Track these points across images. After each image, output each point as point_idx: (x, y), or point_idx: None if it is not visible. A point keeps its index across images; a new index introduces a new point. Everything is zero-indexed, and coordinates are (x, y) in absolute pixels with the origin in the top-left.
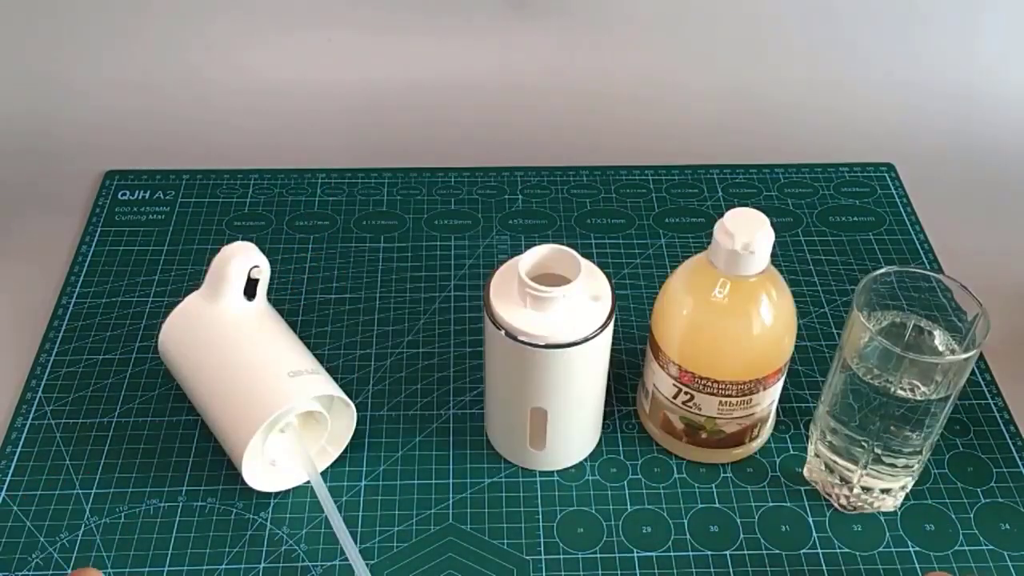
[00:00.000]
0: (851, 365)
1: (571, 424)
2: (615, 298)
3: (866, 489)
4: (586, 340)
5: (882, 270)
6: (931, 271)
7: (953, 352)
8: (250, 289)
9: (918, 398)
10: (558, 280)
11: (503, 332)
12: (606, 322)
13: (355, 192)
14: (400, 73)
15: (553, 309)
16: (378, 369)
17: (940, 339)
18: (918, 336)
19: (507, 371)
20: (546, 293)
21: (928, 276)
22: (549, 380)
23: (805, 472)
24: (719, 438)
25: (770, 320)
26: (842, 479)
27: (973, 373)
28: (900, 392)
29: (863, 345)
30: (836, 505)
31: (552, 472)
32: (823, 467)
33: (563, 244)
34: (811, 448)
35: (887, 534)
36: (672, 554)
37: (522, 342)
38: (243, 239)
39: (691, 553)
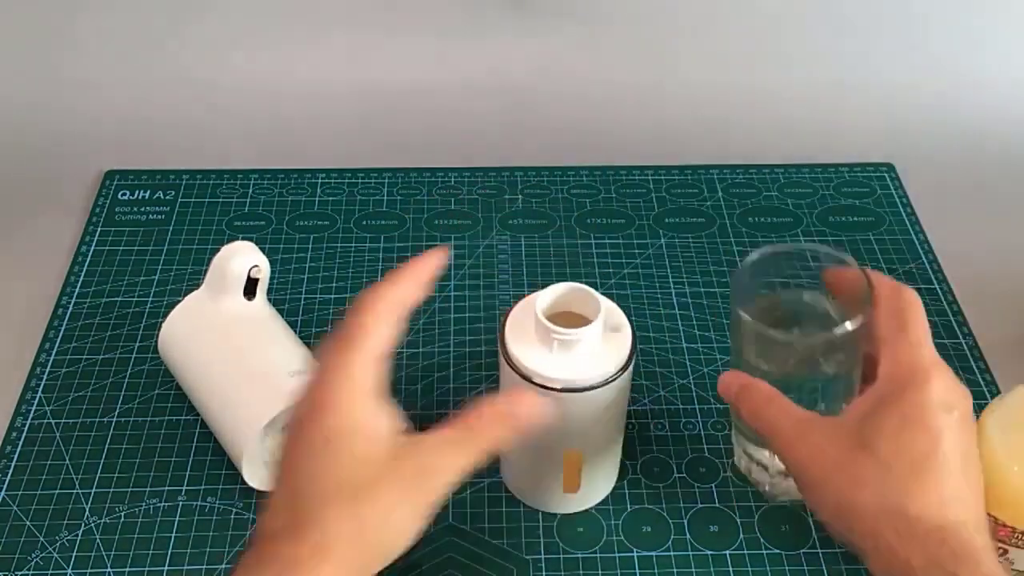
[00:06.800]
0: (750, 362)
1: (607, 457)
2: (634, 327)
3: (784, 474)
4: (620, 373)
5: (752, 257)
6: (801, 246)
7: (844, 320)
8: (250, 289)
9: (824, 374)
10: (572, 318)
11: (534, 382)
12: (631, 352)
13: (355, 192)
14: (400, 73)
15: (577, 350)
16: None
17: (831, 309)
18: (807, 312)
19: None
20: (570, 336)
21: (802, 251)
22: (588, 419)
23: (733, 464)
24: None
25: None
26: (760, 464)
27: (973, 373)
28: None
29: (755, 339)
30: (762, 492)
31: None
32: (744, 454)
33: (563, 246)
34: (732, 436)
35: None
36: (672, 554)
37: (554, 389)
38: (243, 239)
39: (691, 553)
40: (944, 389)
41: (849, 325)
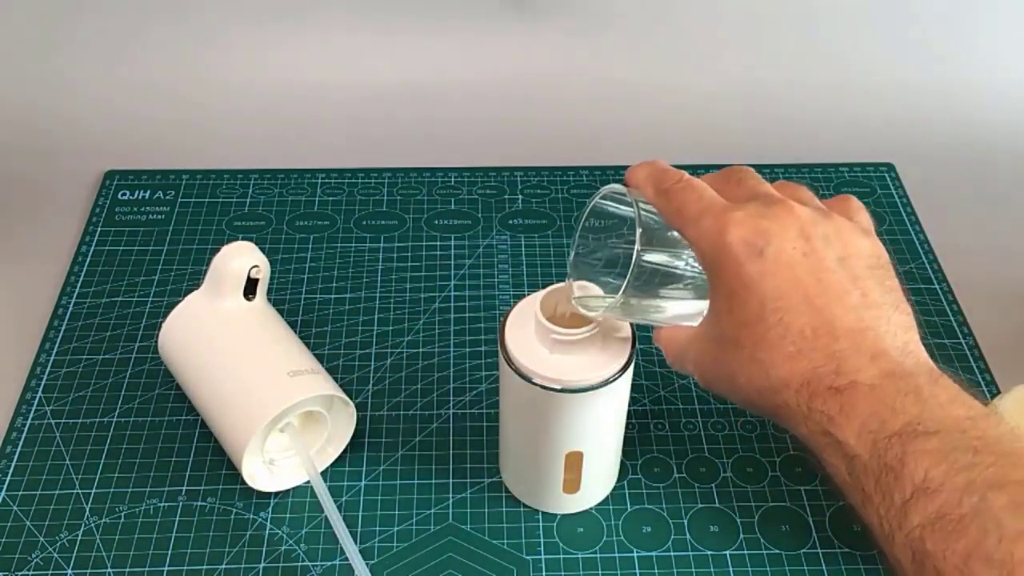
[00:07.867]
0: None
1: (607, 457)
2: (634, 328)
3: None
4: (620, 374)
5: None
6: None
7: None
8: (250, 289)
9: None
10: (573, 318)
11: (534, 383)
12: (631, 352)
13: (355, 192)
14: (400, 73)
15: (577, 350)
16: (378, 369)
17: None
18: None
19: (537, 418)
20: (570, 336)
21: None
22: (588, 420)
23: None
24: None
25: None
26: None
27: (973, 373)
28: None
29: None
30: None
31: None
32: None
33: (563, 246)
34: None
35: None
36: (672, 554)
37: (554, 389)
38: (243, 239)
39: (691, 553)
40: (742, 237)
41: (634, 255)
